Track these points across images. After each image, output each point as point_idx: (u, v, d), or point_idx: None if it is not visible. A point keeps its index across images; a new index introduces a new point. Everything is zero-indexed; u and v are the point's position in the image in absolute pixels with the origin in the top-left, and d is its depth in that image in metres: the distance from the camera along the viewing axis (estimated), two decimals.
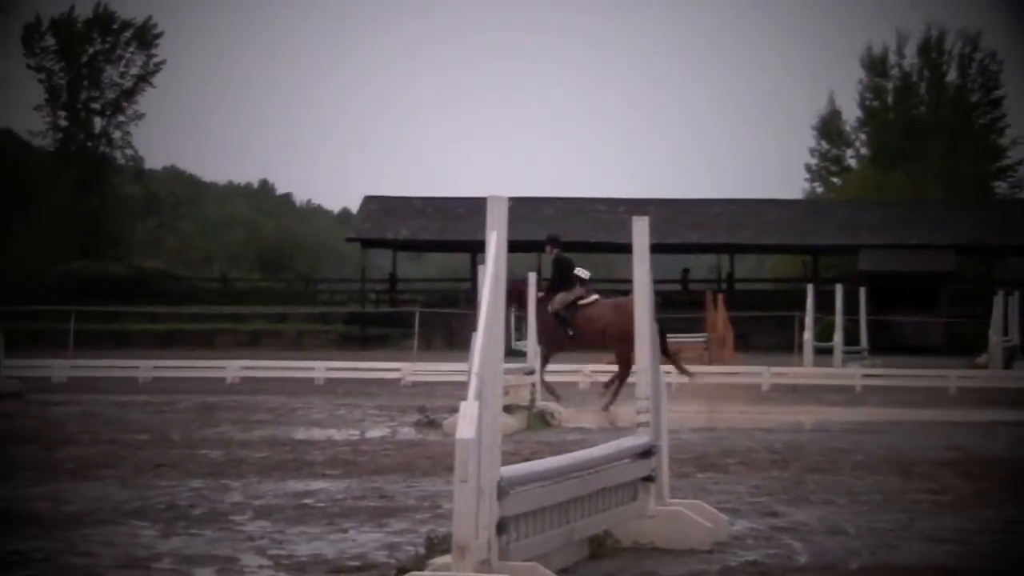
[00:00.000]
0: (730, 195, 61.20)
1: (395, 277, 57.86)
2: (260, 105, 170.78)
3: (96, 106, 68.60)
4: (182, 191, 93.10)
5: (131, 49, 68.87)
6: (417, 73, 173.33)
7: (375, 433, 15.80)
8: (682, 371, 19.67)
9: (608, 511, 7.53)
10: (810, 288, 30.71)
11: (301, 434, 15.63)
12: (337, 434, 15.63)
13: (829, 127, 76.18)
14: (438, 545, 6.80)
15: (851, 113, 76.33)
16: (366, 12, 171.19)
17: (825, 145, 76.73)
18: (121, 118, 69.03)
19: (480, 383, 6.04)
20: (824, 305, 31.24)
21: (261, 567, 7.41)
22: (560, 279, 19.36)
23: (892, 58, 73.48)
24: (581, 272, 19.26)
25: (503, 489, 6.13)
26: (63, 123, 68.17)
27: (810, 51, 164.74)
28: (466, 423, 5.94)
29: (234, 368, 27.72)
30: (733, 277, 57.81)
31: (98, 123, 68.89)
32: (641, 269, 8.19)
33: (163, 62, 69.50)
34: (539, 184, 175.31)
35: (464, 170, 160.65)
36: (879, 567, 7.54)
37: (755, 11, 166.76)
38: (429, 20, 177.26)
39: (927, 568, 7.56)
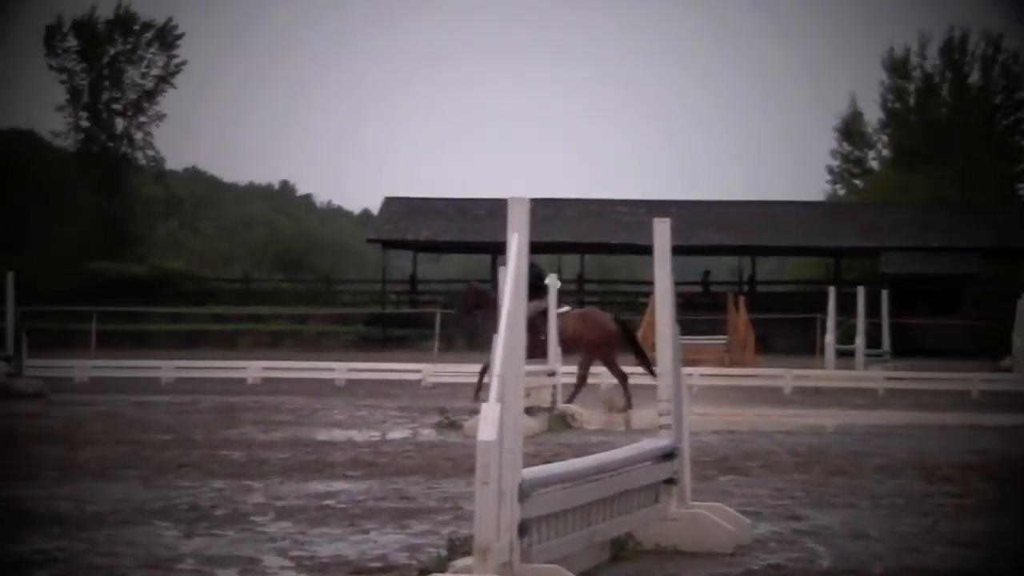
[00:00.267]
0: (751, 197, 60.84)
1: (415, 278, 57.92)
2: (281, 106, 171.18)
3: (118, 107, 68.73)
4: (203, 192, 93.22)
5: (152, 50, 68.99)
6: (439, 74, 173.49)
7: (396, 434, 15.81)
8: (652, 373, 19.89)
9: (630, 514, 7.52)
10: (832, 290, 30.61)
11: (322, 435, 15.65)
12: (358, 435, 15.64)
13: (851, 129, 75.93)
14: (460, 547, 6.79)
15: (873, 115, 76.16)
16: (390, 14, 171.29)
17: (847, 147, 76.47)
18: (142, 119, 69.15)
19: (501, 385, 6.03)
20: (845, 308, 31.16)
21: (283, 568, 7.41)
22: (531, 287, 19.50)
23: (914, 59, 73.20)
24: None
25: (525, 491, 6.12)
26: (85, 124, 68.31)
27: (831, 53, 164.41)
28: (488, 425, 5.93)
29: (255, 369, 27.79)
30: (754, 279, 57.70)
31: (119, 124, 69.03)
32: (662, 271, 8.17)
33: (184, 63, 69.63)
34: (560, 185, 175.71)
35: (485, 171, 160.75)
36: (902, 571, 7.50)
37: (778, 14, 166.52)
38: (454, 22, 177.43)
39: (950, 572, 7.52)
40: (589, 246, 54.21)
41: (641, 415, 17.63)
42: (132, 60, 68.72)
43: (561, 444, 14.22)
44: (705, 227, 52.40)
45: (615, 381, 20.01)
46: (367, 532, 8.59)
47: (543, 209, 47.16)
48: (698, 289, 53.80)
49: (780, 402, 22.78)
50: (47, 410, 19.23)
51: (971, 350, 42.78)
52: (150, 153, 70.71)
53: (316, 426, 16.99)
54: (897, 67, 73.31)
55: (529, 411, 15.13)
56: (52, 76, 68.07)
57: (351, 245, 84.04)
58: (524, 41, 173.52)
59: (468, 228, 53.81)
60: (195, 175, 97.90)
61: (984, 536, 8.64)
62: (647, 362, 19.50)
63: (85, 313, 40.71)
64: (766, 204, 57.25)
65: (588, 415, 17.65)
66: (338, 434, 15.79)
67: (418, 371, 27.25)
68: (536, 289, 19.32)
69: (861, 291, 30.19)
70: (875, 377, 26.46)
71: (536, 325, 19.28)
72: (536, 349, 19.57)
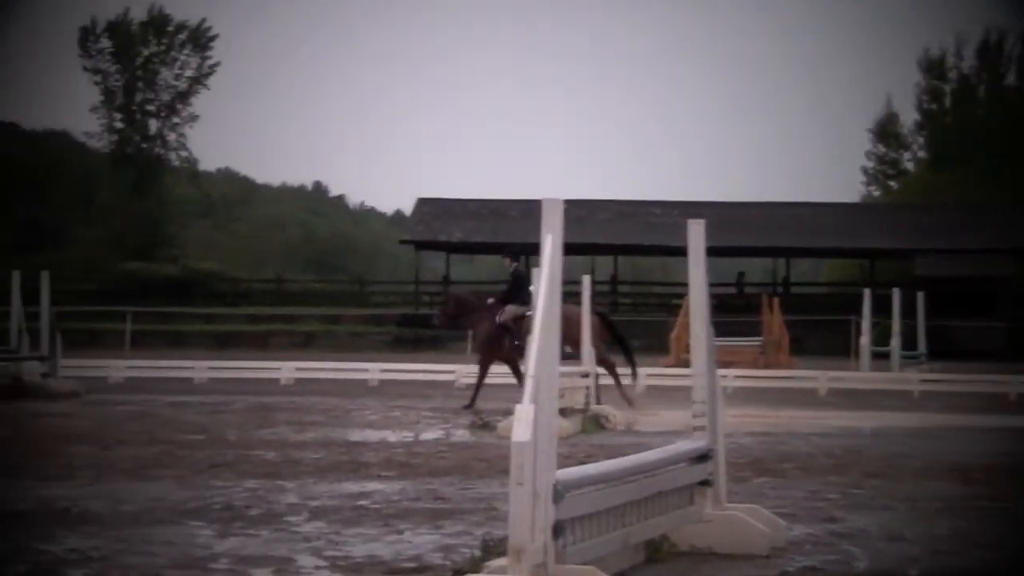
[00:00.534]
0: (786, 198, 60.58)
1: (448, 279, 57.95)
2: (314, 107, 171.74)
3: (151, 108, 69.06)
4: (236, 193, 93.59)
5: (186, 51, 69.31)
6: (472, 75, 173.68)
7: (429, 435, 15.81)
8: (634, 372, 20.25)
9: (665, 515, 7.48)
10: (867, 292, 30.47)
11: (356, 435, 15.66)
12: (391, 436, 15.65)
13: (886, 130, 75.64)
14: (494, 548, 6.78)
15: (908, 116, 75.86)
16: (422, 14, 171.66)
17: (882, 148, 76.19)
18: (176, 120, 69.48)
19: (535, 386, 6.01)
20: (880, 309, 31.00)
21: (317, 568, 7.41)
22: (515, 292, 19.67)
23: (950, 60, 72.88)
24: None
25: (559, 492, 6.10)
26: (119, 125, 68.68)
27: (867, 54, 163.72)
28: (522, 426, 5.91)
29: (288, 369, 27.86)
30: (789, 281, 57.51)
31: (153, 125, 69.38)
32: (697, 272, 8.14)
33: (217, 64, 69.92)
34: (594, 186, 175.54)
35: (518, 172, 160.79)
36: (938, 574, 7.45)
37: (814, 15, 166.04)
38: (487, 23, 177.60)
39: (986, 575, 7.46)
40: (623, 247, 54.13)
41: (626, 415, 17.52)
42: (166, 61, 69.07)
43: (594, 445, 14.18)
44: (739, 229, 52.22)
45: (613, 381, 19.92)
46: (401, 532, 8.58)
47: (577, 210, 47.14)
48: (732, 291, 53.66)
49: (815, 404, 22.67)
50: (81, 410, 19.30)
51: (1008, 352, 42.55)
52: (183, 154, 71.13)
53: (349, 426, 17.00)
54: (933, 68, 72.97)
55: (562, 412, 15.09)
56: (86, 77, 68.63)
57: (384, 246, 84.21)
58: (559, 42, 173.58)
59: (501, 229, 53.78)
60: (228, 176, 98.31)
61: (1020, 540, 8.56)
62: (631, 356, 19.80)
63: (119, 313, 40.95)
64: (800, 206, 57.06)
65: (621, 416, 17.57)
66: (371, 434, 15.80)
67: (451, 372, 27.26)
68: (520, 295, 19.40)
69: (896, 293, 30.04)
70: (911, 379, 26.32)
71: (511, 328, 19.58)
72: (505, 352, 19.94)
